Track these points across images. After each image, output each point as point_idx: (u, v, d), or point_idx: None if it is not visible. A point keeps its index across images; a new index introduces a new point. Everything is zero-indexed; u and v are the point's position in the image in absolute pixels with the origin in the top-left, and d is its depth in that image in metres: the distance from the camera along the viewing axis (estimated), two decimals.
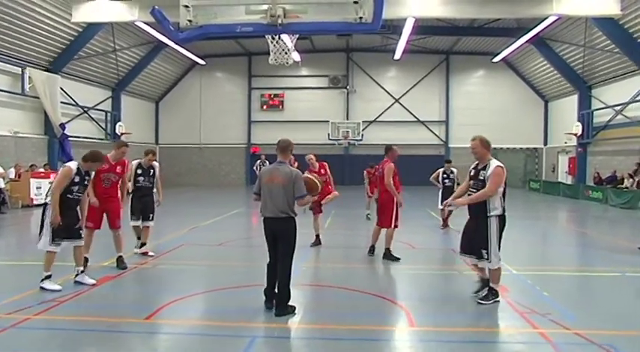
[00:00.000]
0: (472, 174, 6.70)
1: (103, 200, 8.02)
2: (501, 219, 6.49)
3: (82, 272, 7.33)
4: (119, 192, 8.54)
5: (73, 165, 7.03)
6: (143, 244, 9.56)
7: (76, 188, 7.04)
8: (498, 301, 6.54)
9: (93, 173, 7.51)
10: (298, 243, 6.30)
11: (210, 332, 5.57)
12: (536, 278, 7.37)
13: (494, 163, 6.48)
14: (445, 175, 13.72)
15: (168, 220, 14.43)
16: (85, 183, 7.21)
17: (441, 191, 13.70)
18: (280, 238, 6.13)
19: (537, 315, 6.03)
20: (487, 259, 6.45)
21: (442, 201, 13.24)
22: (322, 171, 11.03)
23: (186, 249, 10.53)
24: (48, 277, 6.94)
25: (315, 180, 6.68)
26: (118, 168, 8.35)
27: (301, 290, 7.02)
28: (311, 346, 5.26)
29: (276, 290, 6.14)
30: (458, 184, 13.31)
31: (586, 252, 11.31)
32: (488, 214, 6.42)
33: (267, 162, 25.21)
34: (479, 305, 6.73)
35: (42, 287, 6.86)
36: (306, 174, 6.56)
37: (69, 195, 6.97)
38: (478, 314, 6.39)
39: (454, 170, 13.79)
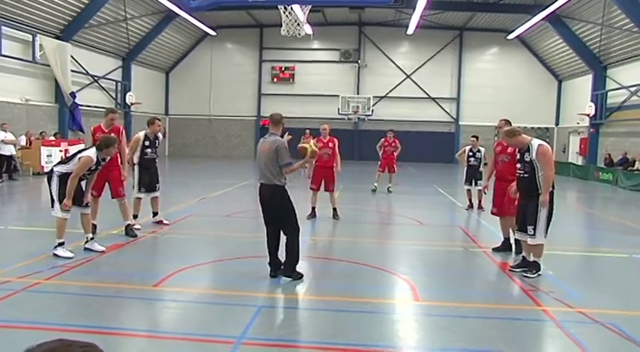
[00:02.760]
0: (518, 158, 6.88)
1: (104, 169, 7.70)
2: (551, 195, 6.66)
3: (92, 239, 7.43)
4: (119, 160, 8.50)
5: (93, 154, 7.04)
6: (155, 213, 9.59)
7: (88, 173, 7.18)
8: (541, 274, 6.69)
9: (108, 158, 7.47)
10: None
11: (217, 301, 5.64)
12: (542, 256, 7.38)
13: (535, 143, 6.67)
14: (471, 153, 12.85)
15: (177, 191, 14.51)
16: (99, 168, 7.31)
17: (465, 170, 12.98)
18: (272, 205, 6.39)
19: (542, 293, 6.07)
20: (532, 235, 6.64)
21: (466, 181, 12.91)
22: (330, 144, 11.01)
23: (195, 220, 10.63)
24: (61, 244, 7.03)
25: (307, 146, 6.90)
26: (114, 136, 7.91)
27: (308, 263, 7.09)
28: (316, 317, 5.33)
29: (284, 256, 6.41)
30: (485, 164, 12.71)
31: (593, 233, 11.29)
32: (539, 191, 6.60)
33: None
34: (483, 282, 6.81)
35: (55, 254, 6.96)
36: (301, 144, 6.90)
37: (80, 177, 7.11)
38: (483, 290, 6.45)
39: (482, 149, 12.86)
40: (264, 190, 6.38)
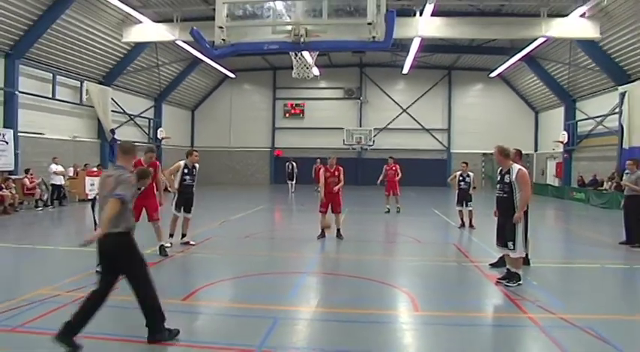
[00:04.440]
0: (498, 178, 6.92)
1: (142, 197, 7.85)
2: (525, 213, 6.74)
3: None
4: (155, 189, 8.60)
5: None
6: (184, 235, 9.62)
7: None
8: (521, 283, 6.69)
9: (143, 188, 7.54)
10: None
11: (238, 313, 5.61)
12: (526, 269, 7.30)
13: (515, 167, 6.75)
14: (461, 178, 12.66)
15: (202, 214, 14.52)
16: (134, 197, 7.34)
17: (456, 193, 12.76)
18: (113, 261, 4.49)
19: (527, 302, 5.99)
20: (513, 249, 6.66)
21: (458, 202, 12.79)
22: (336, 173, 10.87)
23: (218, 240, 10.61)
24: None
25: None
26: (150, 170, 8.25)
27: (320, 278, 7.05)
28: (327, 328, 5.27)
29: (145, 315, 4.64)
30: (474, 188, 12.72)
31: (570, 247, 11.16)
32: (516, 210, 6.63)
33: (295, 163, 25.45)
34: (475, 293, 6.73)
35: (97, 271, 6.92)
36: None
37: None
38: (475, 300, 6.35)
39: (471, 174, 12.75)
40: (103, 241, 4.41)
